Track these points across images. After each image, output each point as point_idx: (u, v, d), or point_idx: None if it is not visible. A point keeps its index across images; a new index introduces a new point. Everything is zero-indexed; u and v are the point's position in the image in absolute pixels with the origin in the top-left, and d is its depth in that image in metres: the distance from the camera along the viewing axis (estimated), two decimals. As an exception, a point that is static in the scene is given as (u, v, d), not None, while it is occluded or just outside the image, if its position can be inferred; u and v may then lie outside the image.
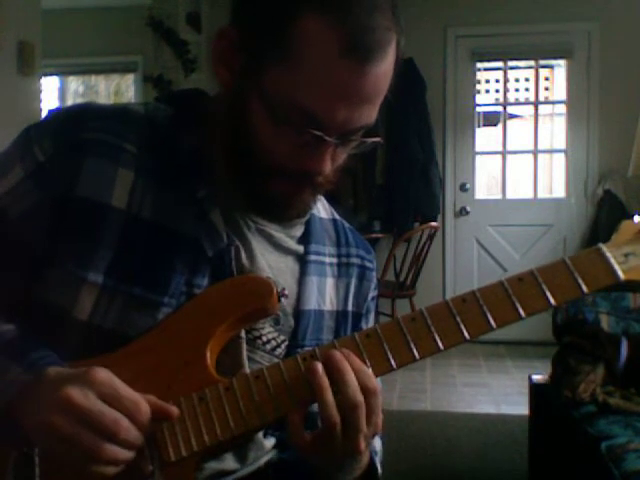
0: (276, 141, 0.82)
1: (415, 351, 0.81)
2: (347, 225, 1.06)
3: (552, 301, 0.82)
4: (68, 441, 0.71)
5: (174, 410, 0.78)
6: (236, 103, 0.84)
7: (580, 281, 0.83)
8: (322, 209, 1.02)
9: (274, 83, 0.79)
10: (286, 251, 0.95)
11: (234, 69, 0.83)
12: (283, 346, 0.92)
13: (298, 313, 0.94)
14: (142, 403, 0.75)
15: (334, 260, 1.00)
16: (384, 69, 0.80)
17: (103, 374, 0.74)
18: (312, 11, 0.77)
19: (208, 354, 0.82)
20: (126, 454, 0.74)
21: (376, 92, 0.81)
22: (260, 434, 0.93)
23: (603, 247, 0.85)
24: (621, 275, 0.84)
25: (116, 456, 0.73)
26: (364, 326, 1.03)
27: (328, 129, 0.80)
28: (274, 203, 0.87)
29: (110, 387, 0.73)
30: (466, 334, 0.82)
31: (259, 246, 0.91)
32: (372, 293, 1.05)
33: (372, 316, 1.07)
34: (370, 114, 0.82)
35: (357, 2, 0.77)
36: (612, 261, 0.84)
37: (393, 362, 0.81)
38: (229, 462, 0.90)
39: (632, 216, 0.91)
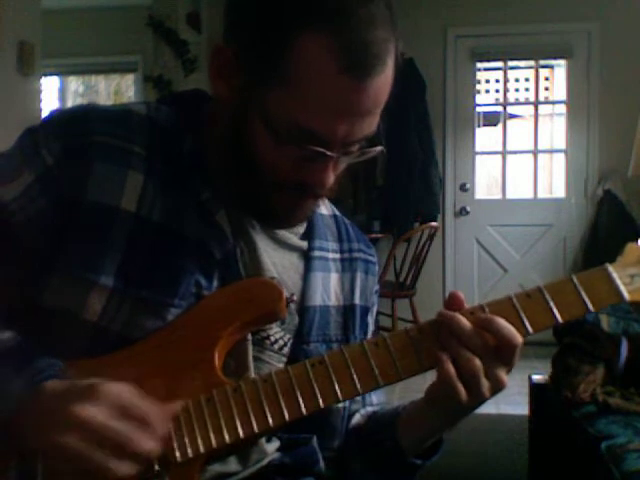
0: (277, 157, 0.82)
1: (423, 361, 0.83)
2: (347, 221, 1.06)
3: (559, 318, 0.84)
4: (79, 461, 0.70)
5: (177, 406, 0.78)
6: (236, 119, 0.84)
7: (586, 300, 0.84)
8: (323, 206, 1.02)
9: (274, 103, 0.79)
10: (290, 248, 0.95)
11: (232, 86, 0.83)
12: (289, 344, 0.93)
13: (303, 310, 0.94)
14: (154, 408, 0.74)
15: (337, 255, 1.01)
16: (384, 80, 0.80)
17: (109, 386, 0.73)
18: (309, 29, 0.76)
19: (216, 356, 0.82)
20: (135, 467, 0.73)
21: (376, 104, 0.81)
22: (263, 437, 0.93)
23: (609, 267, 0.86)
24: (627, 296, 0.85)
25: (127, 472, 0.72)
26: (369, 320, 1.05)
27: (330, 145, 0.80)
28: (276, 214, 0.88)
29: (119, 398, 0.72)
30: None
31: (263, 245, 0.92)
32: (376, 287, 1.06)
33: (375, 309, 1.08)
34: (371, 124, 0.82)
35: (354, 17, 0.76)
36: (618, 282, 0.85)
37: (401, 371, 0.82)
38: (231, 464, 0.90)
39: (633, 224, 0.92)
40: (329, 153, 0.80)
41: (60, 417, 0.71)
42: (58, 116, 0.88)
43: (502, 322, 0.81)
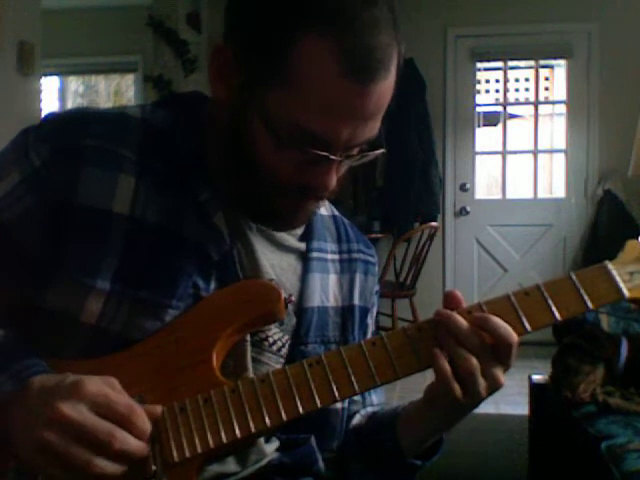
0: (279, 160, 0.81)
1: (422, 360, 0.83)
2: (346, 221, 1.06)
3: (557, 316, 0.83)
4: (61, 458, 0.70)
5: (157, 409, 0.78)
6: (235, 119, 0.83)
7: (585, 297, 0.84)
8: (322, 206, 1.02)
9: (275, 104, 0.79)
10: (288, 249, 0.95)
11: (232, 85, 0.83)
12: (287, 345, 0.93)
13: (301, 311, 0.94)
14: (137, 407, 0.74)
15: (336, 256, 1.01)
16: (387, 85, 0.80)
17: (93, 384, 0.73)
18: (311, 31, 0.75)
19: (214, 356, 0.82)
20: (119, 467, 0.72)
21: (379, 108, 0.81)
22: (261, 438, 0.93)
23: (609, 264, 0.86)
24: (626, 293, 0.85)
25: (109, 470, 0.71)
26: (369, 321, 1.05)
27: (332, 148, 0.80)
28: (278, 216, 0.88)
29: (102, 396, 0.72)
30: None
31: (261, 246, 0.92)
32: (376, 287, 1.06)
33: (375, 310, 1.08)
34: (373, 128, 0.82)
35: (357, 20, 0.76)
36: (617, 279, 0.85)
37: (399, 370, 0.82)
38: (230, 465, 0.90)
39: (633, 224, 0.92)
40: (332, 156, 0.80)
41: (43, 413, 0.71)
42: (52, 119, 0.88)
43: (498, 321, 0.81)
